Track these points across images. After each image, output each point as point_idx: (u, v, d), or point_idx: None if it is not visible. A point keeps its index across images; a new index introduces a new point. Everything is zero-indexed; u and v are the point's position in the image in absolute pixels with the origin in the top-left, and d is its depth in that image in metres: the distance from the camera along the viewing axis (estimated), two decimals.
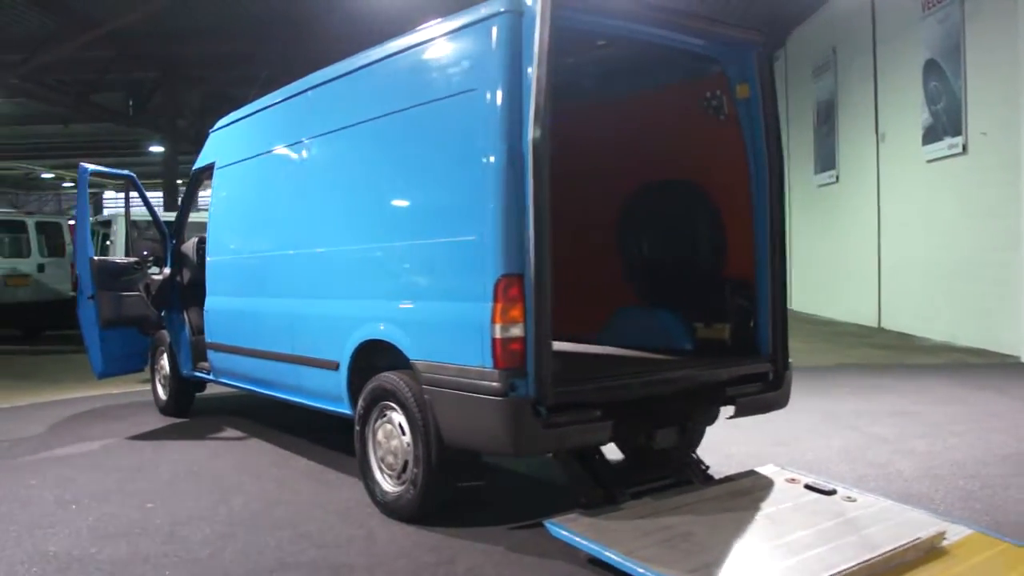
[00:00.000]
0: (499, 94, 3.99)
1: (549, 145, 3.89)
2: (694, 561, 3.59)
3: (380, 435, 4.72)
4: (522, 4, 3.99)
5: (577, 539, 3.81)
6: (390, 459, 4.66)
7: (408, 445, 4.50)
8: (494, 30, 4.07)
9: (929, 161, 12.54)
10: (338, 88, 5.30)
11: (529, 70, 3.92)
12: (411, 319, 4.52)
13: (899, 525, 3.97)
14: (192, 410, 7.82)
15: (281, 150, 5.89)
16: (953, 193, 11.98)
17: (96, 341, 6.87)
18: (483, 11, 4.15)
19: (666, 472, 4.77)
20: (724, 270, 5.21)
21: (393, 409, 4.60)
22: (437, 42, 4.49)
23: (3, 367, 11.82)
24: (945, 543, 3.85)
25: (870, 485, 5.12)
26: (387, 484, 4.70)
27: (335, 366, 5.08)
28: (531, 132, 3.87)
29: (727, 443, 6.30)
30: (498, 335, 3.91)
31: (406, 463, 4.53)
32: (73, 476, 5.72)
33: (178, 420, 7.61)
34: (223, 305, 6.54)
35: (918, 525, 3.95)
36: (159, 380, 7.84)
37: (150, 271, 7.49)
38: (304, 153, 5.61)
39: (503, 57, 4.01)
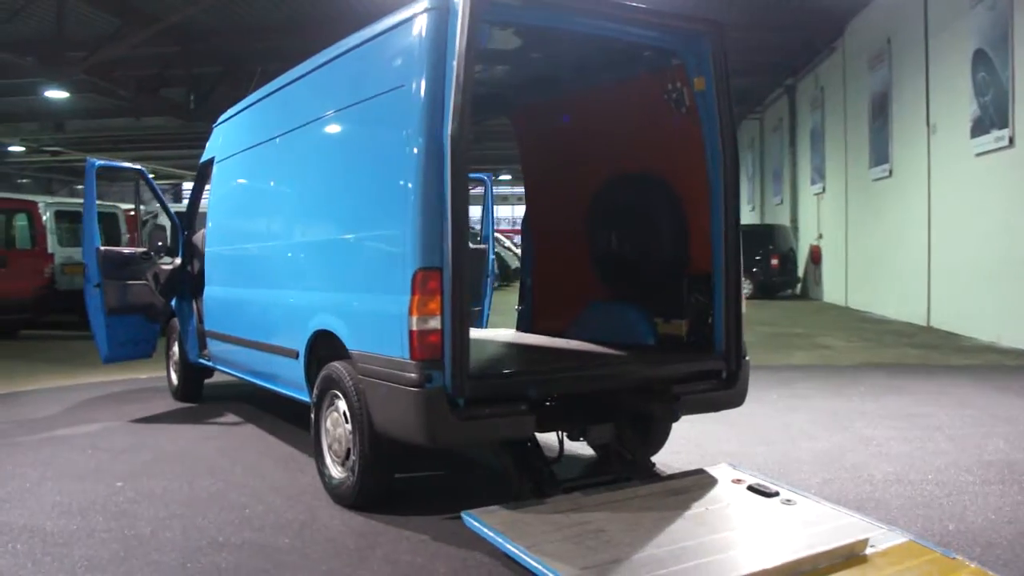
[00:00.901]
0: (422, 89, 4.04)
1: (468, 140, 3.92)
2: (595, 558, 3.59)
3: (328, 423, 4.84)
4: (449, 1, 4.03)
5: (485, 530, 3.85)
6: (336, 446, 4.77)
7: (350, 433, 4.60)
8: (420, 26, 4.12)
9: (978, 154, 12.07)
10: (299, 87, 5.45)
11: (453, 63, 3.96)
12: (349, 310, 4.63)
13: (827, 530, 3.88)
14: (204, 396, 8.09)
15: (257, 147, 6.09)
16: (1001, 187, 11.51)
17: (102, 327, 7.17)
18: (412, 8, 4.21)
19: (610, 469, 4.76)
20: (685, 265, 5.16)
21: (339, 398, 4.71)
22: (376, 40, 4.57)
23: (46, 351, 12.39)
24: (871, 550, 3.74)
25: (832, 488, 5.02)
26: (335, 470, 4.81)
27: (296, 355, 5.22)
28: (449, 127, 3.92)
29: (708, 440, 6.27)
30: (415, 327, 3.97)
31: (348, 450, 4.64)
32: (63, 455, 6.00)
33: (187, 405, 7.89)
34: (216, 294, 6.77)
35: (845, 531, 3.86)
36: (172, 366, 8.14)
37: (161, 261, 7.77)
38: (272, 150, 5.80)
39: (427, 53, 4.06)
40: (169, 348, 8.19)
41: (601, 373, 4.65)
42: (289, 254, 5.47)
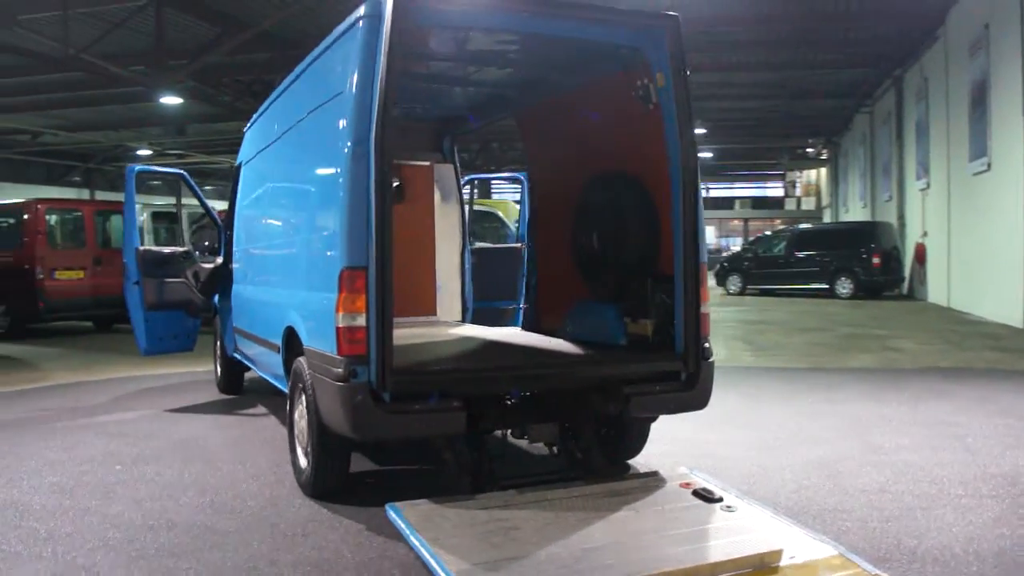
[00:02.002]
0: (354, 94, 4.17)
1: (391, 142, 4.03)
2: (493, 554, 3.64)
3: (296, 415, 5.05)
4: (381, 7, 4.15)
5: (400, 522, 3.95)
6: (301, 437, 4.97)
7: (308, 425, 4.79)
8: (357, 34, 4.26)
9: None
10: (285, 96, 5.73)
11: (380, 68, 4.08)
12: (303, 309, 4.82)
13: (748, 539, 3.80)
14: (248, 388, 8.50)
15: (260, 154, 6.45)
16: None
17: (141, 322, 7.64)
18: (353, 15, 4.35)
19: (571, 468, 4.78)
20: (653, 265, 5.10)
21: (303, 391, 4.90)
22: (330, 48, 4.75)
23: (128, 344, 13.19)
24: (789, 561, 3.64)
25: (801, 496, 4.88)
26: (302, 461, 5.02)
27: (278, 349, 5.46)
28: (374, 130, 4.03)
29: (704, 442, 6.19)
30: (341, 324, 4.11)
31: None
32: (88, 440, 6.46)
33: (228, 397, 8.30)
34: (236, 292, 7.14)
35: (767, 541, 3.77)
36: (216, 359, 8.59)
37: (203, 260, 8.21)
38: (267, 157, 6.15)
39: (360, 59, 4.19)
40: (215, 342, 8.65)
41: (540, 373, 4.67)
42: (274, 254, 5.74)
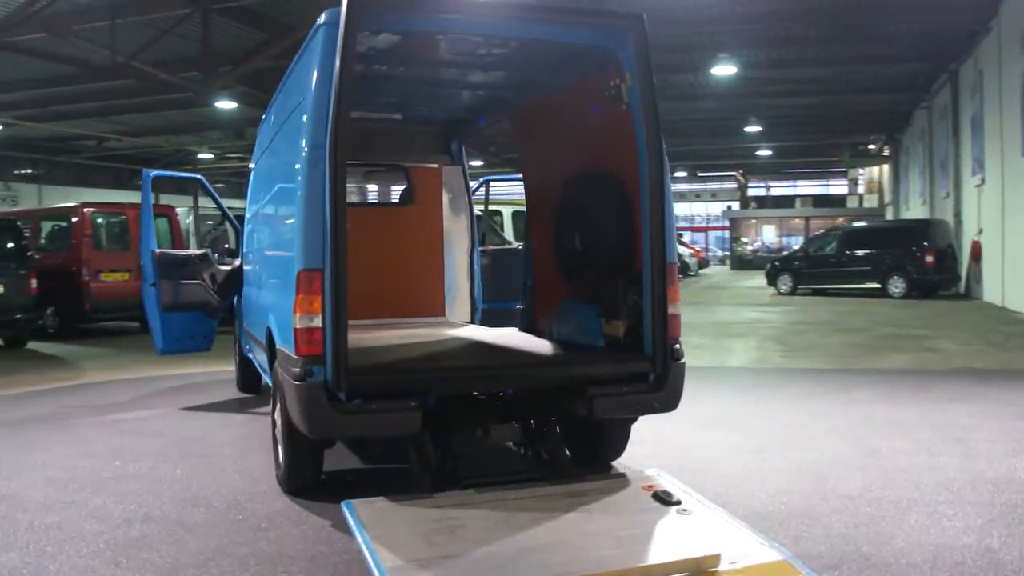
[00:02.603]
0: (311, 101, 4.27)
1: (344, 147, 4.11)
2: (430, 552, 3.68)
3: (276, 413, 5.17)
4: (338, 15, 4.23)
5: (350, 519, 4.02)
6: (280, 435, 5.09)
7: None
8: (316, 43, 4.36)
9: None
10: (275, 103, 5.88)
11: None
12: (275, 309, 4.95)
13: (691, 543, 3.76)
14: (264, 386, 8.68)
15: (260, 159, 6.59)
16: None
17: (157, 323, 7.89)
18: (315, 26, 4.44)
19: (524, 468, 4.80)
20: (628, 265, 5.08)
21: (277, 389, 5.02)
22: (301, 56, 4.86)
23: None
24: (729, 566, 3.58)
25: (776, 501, 4.83)
26: (280, 457, 5.14)
27: (265, 349, 5.60)
28: (328, 135, 4.12)
29: (695, 445, 6.16)
30: (298, 324, 4.21)
31: None
32: (100, 436, 6.71)
33: (245, 395, 8.51)
34: (244, 293, 7.33)
35: (710, 545, 3.73)
36: (235, 359, 8.81)
37: (222, 262, 8.43)
38: (262, 163, 6.28)
39: (318, 66, 4.29)
40: (235, 342, 8.87)
41: (498, 374, 4.69)
42: (262, 256, 5.90)
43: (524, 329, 6.72)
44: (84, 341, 13.47)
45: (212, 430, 6.88)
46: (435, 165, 7.98)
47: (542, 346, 5.51)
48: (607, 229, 5.30)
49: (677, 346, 4.79)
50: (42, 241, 14.70)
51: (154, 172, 8.02)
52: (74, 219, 14.03)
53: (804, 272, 23.14)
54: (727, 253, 46.85)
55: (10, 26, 13.69)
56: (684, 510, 4.15)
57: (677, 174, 50.97)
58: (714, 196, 54.55)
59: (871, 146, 36.69)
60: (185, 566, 3.93)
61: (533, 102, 6.13)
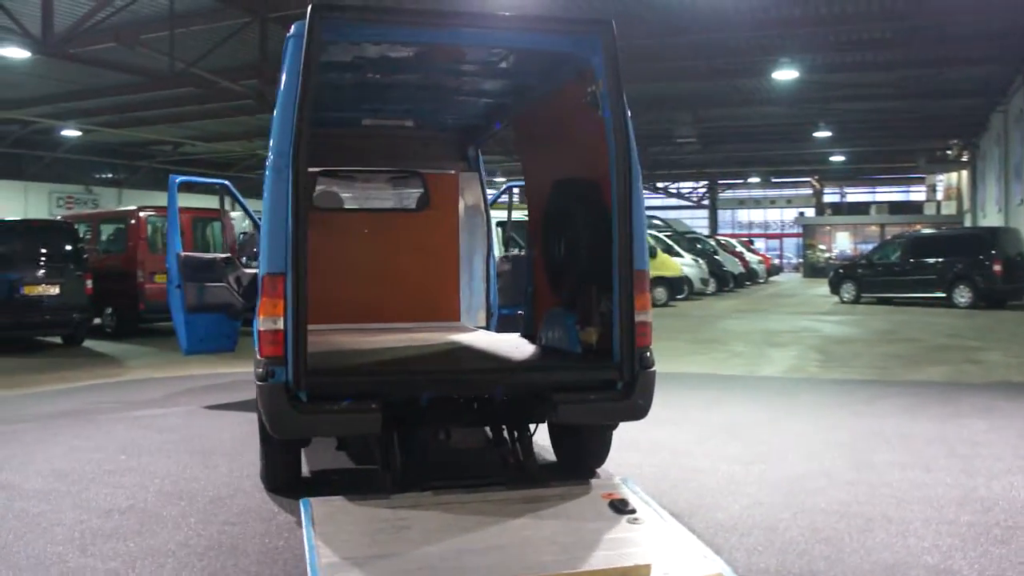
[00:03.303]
0: (278, 110, 4.41)
1: (305, 155, 4.23)
2: (370, 551, 3.76)
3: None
4: (303, 27, 4.36)
5: (304, 516, 4.14)
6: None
7: None
8: (285, 54, 4.50)
9: None
10: None
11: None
12: (256, 312, 5.08)
13: (629, 552, 3.76)
14: None
15: None
16: None
17: (182, 324, 8.16)
18: (286, 37, 4.59)
19: (492, 472, 4.85)
20: (603, 272, 5.08)
21: None
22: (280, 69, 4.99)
23: None
24: None
25: (749, 513, 4.78)
26: (259, 455, 5.29)
27: None
28: (291, 144, 4.25)
29: (682, 454, 6.10)
30: (261, 327, 4.35)
31: None
32: (117, 431, 7.00)
33: None
34: None
35: (644, 555, 3.72)
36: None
37: (249, 265, 8.67)
38: None
39: (285, 77, 4.43)
40: None
41: (458, 379, 4.75)
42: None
43: (525, 335, 6.76)
44: (138, 340, 13.98)
45: (221, 427, 7.11)
46: (452, 171, 8.08)
47: (522, 352, 5.55)
48: (584, 236, 5.32)
49: (648, 354, 4.77)
50: (102, 244, 15.31)
51: (180, 178, 8.31)
52: (131, 222, 14.59)
53: (868, 280, 22.53)
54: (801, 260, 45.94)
55: (75, 36, 14.30)
56: (635, 519, 4.15)
57: (750, 180, 50.37)
58: (789, 202, 53.44)
59: (948, 151, 35.50)
60: (146, 556, 4.12)
61: (527, 109, 6.19)
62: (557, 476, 5.13)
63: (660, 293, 22.00)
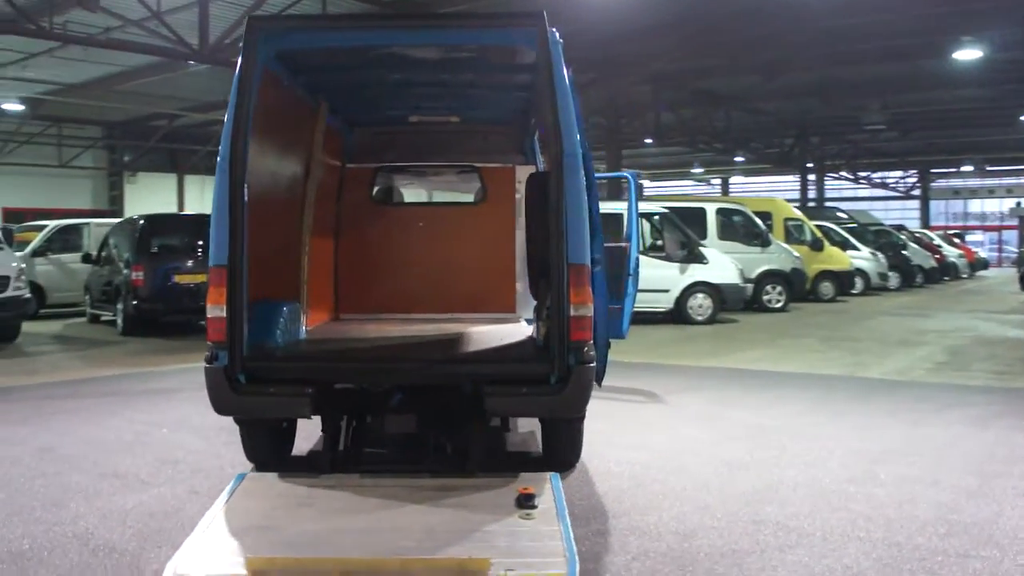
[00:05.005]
0: (229, 116, 4.78)
1: (242, 159, 4.58)
2: (256, 522, 4.02)
3: None
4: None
5: (228, 487, 4.48)
6: None
7: None
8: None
9: None
10: None
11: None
12: None
13: (483, 547, 3.76)
14: None
15: None
16: None
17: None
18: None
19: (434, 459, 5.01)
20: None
21: None
22: None
23: None
24: (503, 573, 3.56)
25: (680, 519, 4.65)
26: None
27: None
28: (229, 147, 4.61)
29: (682, 452, 6.03)
30: (208, 314, 4.75)
31: None
32: (172, 409, 7.67)
33: None
34: None
35: (497, 549, 3.75)
36: None
37: None
38: None
39: (233, 83, 4.79)
40: None
41: (389, 368, 4.92)
42: None
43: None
44: None
45: None
46: (509, 165, 8.24)
47: (505, 345, 5.63)
48: (534, 229, 5.33)
49: (586, 349, 4.75)
50: None
51: None
52: None
53: None
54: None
55: (224, 46, 15.43)
56: (528, 515, 4.15)
57: (964, 168, 46.35)
58: (1010, 191, 48.82)
59: None
60: (89, 515, 4.67)
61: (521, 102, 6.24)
62: (525, 469, 5.16)
63: (827, 288, 21.00)
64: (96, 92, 23.43)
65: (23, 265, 13.04)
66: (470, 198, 8.67)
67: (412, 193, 8.70)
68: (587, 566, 3.90)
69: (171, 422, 7.06)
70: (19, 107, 24.84)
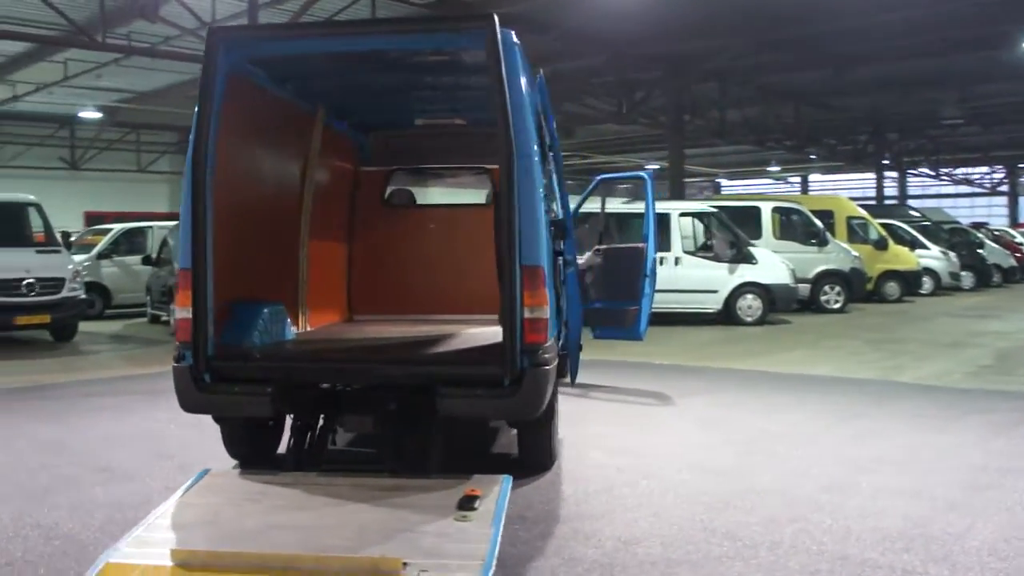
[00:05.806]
0: (194, 123, 4.94)
1: (204, 165, 4.73)
2: (201, 516, 4.16)
3: None
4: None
5: (188, 481, 4.63)
6: None
7: None
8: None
9: None
10: None
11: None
12: None
13: (402, 547, 3.78)
14: None
15: None
16: None
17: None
18: None
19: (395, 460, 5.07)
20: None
21: None
22: None
23: None
24: (422, 574, 3.63)
25: (615, 528, 4.59)
26: None
27: None
28: (193, 153, 4.77)
29: (673, 456, 6.01)
30: (177, 316, 4.92)
31: None
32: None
33: None
34: None
35: (414, 551, 3.77)
36: None
37: None
38: None
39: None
40: None
41: (343, 368, 5.01)
42: None
43: None
44: None
45: None
46: None
47: (476, 346, 5.65)
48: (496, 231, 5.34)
49: (539, 352, 4.74)
50: None
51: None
52: None
53: None
54: None
55: None
56: (463, 517, 4.15)
57: None
58: None
59: None
60: (62, 506, 4.88)
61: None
62: (493, 471, 5.18)
63: (892, 288, 20.36)
64: (169, 99, 24.24)
65: (79, 268, 13.61)
66: (482, 199, 8.72)
67: (425, 195, 8.79)
68: (512, 571, 3.92)
69: (185, 419, 7.24)
70: (97, 115, 25.88)
